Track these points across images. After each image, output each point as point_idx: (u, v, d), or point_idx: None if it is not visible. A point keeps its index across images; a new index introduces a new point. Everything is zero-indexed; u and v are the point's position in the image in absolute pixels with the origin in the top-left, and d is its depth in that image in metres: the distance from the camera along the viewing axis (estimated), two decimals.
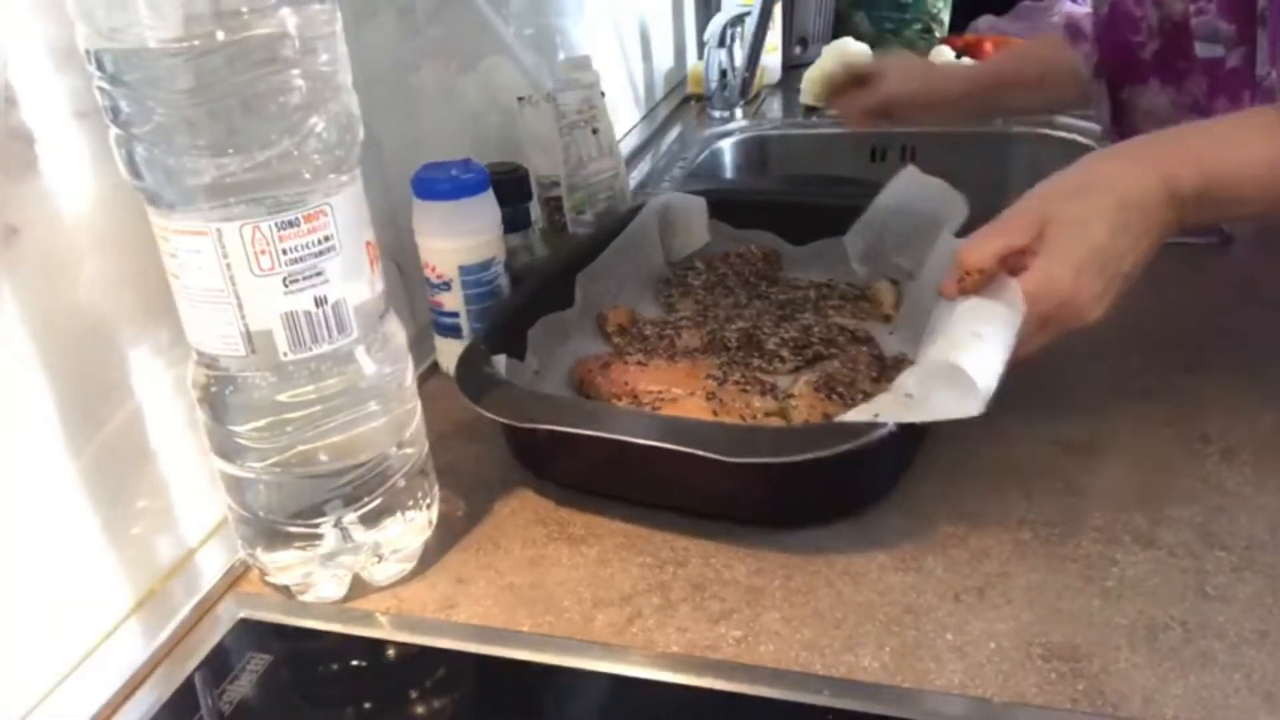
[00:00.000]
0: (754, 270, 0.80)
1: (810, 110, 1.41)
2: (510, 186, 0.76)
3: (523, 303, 0.68)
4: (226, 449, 0.48)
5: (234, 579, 0.54)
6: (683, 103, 1.49)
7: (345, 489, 0.49)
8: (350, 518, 0.50)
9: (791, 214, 0.83)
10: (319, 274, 0.45)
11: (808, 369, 0.64)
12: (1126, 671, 0.43)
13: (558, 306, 0.70)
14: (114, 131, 0.42)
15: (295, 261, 0.44)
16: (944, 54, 1.39)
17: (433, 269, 0.70)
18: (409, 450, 0.52)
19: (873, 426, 0.49)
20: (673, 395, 0.61)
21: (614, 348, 0.70)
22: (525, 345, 0.65)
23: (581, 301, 0.72)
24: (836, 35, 1.49)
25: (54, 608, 0.46)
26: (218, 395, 0.47)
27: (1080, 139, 1.15)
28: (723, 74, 1.37)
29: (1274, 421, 0.59)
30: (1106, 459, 0.57)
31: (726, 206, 0.84)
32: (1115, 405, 0.62)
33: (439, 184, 0.68)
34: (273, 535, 0.50)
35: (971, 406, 0.48)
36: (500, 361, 0.60)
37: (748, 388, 0.61)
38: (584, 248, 0.76)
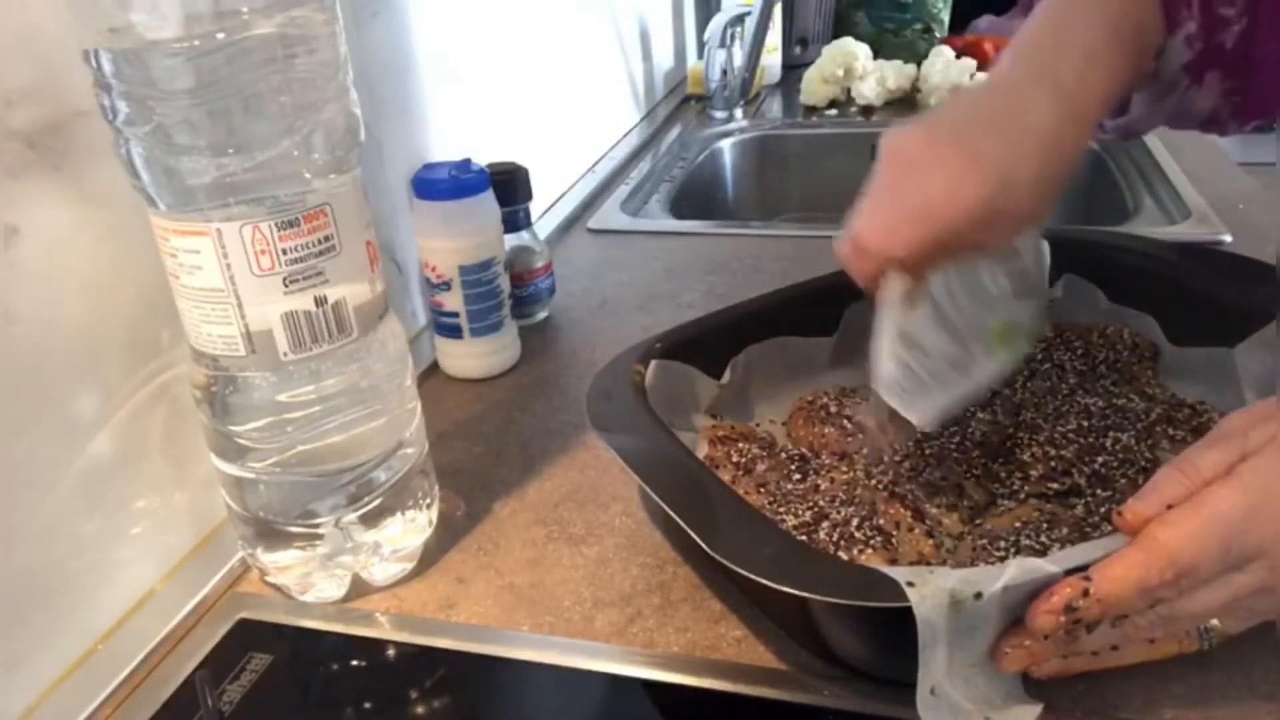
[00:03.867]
0: (1111, 361, 0.63)
1: (810, 110, 1.42)
2: (510, 186, 0.76)
3: (741, 317, 0.63)
4: (226, 449, 0.48)
5: (234, 579, 0.54)
6: (683, 103, 1.49)
7: (345, 489, 0.49)
8: (350, 518, 0.50)
9: (1182, 299, 0.62)
10: (319, 274, 0.45)
11: (1044, 502, 0.52)
12: (1126, 671, 0.43)
13: (806, 329, 0.64)
14: (113, 131, 0.42)
15: (295, 261, 0.44)
16: (944, 54, 1.39)
17: (433, 269, 0.70)
18: (409, 450, 0.52)
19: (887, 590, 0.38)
20: (848, 475, 0.54)
21: (869, 390, 0.62)
22: (730, 355, 0.61)
23: (844, 332, 0.64)
24: (836, 35, 1.50)
25: (54, 607, 0.46)
26: (218, 395, 0.47)
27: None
28: (723, 74, 1.37)
29: None
30: None
31: (1104, 266, 0.66)
32: None
33: (439, 184, 0.68)
34: (273, 535, 0.50)
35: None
36: (671, 366, 0.57)
37: (938, 493, 0.51)
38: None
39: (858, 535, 0.49)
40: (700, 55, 1.43)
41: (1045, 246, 0.66)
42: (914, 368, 0.49)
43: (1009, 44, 0.48)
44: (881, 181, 0.47)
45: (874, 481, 0.53)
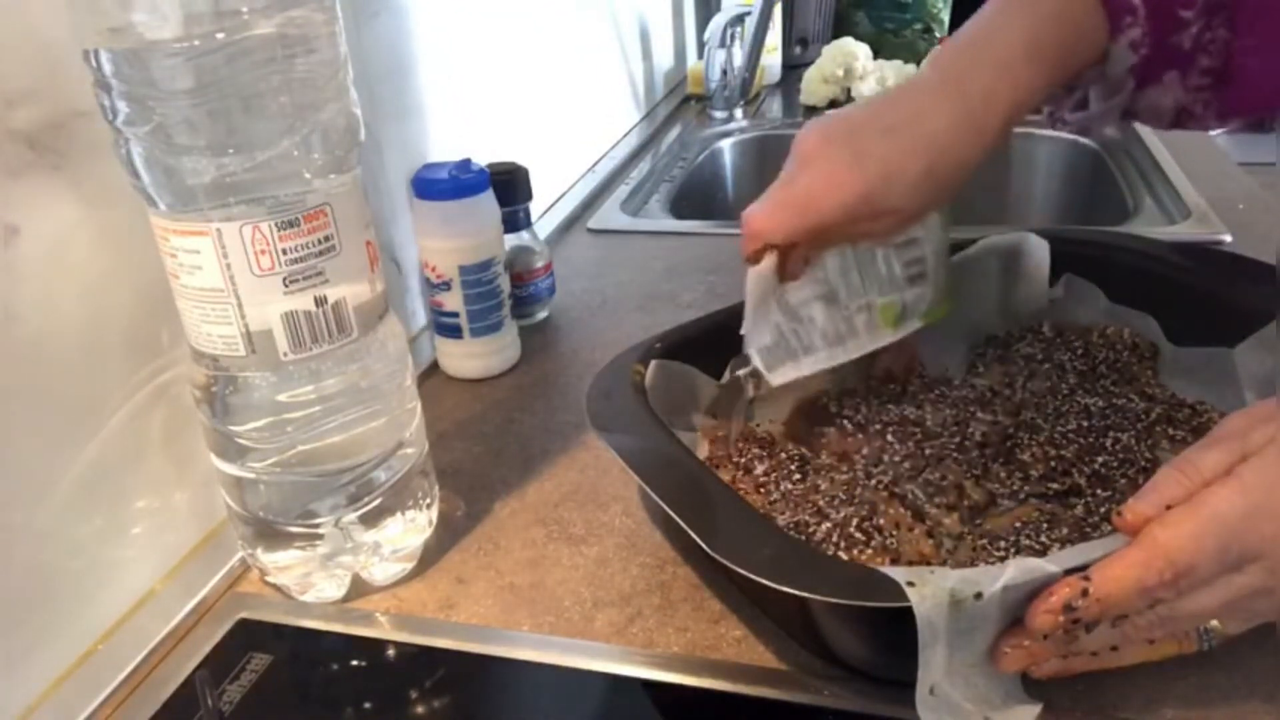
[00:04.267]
0: (1111, 360, 0.62)
1: (810, 110, 1.42)
2: (510, 186, 0.76)
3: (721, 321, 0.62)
4: (226, 449, 0.48)
5: (234, 579, 0.54)
6: (683, 103, 1.49)
7: (345, 489, 0.49)
8: (350, 518, 0.50)
9: (1182, 299, 0.62)
10: (319, 274, 0.45)
11: (1044, 502, 0.51)
12: (1126, 671, 0.43)
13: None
14: (113, 131, 0.42)
15: (295, 261, 0.44)
16: None
17: (433, 269, 0.70)
18: (409, 450, 0.52)
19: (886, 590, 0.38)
20: (848, 475, 0.54)
21: (869, 390, 0.62)
22: (730, 355, 0.59)
23: None
24: (836, 35, 1.50)
25: (54, 607, 0.46)
26: (218, 395, 0.47)
27: (1082, 139, 1.15)
28: (723, 74, 1.37)
29: None
30: None
31: (1104, 266, 0.66)
32: None
33: (439, 184, 0.68)
34: (273, 535, 0.50)
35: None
36: (671, 366, 0.57)
37: (931, 496, 0.51)
38: None
39: (858, 535, 0.49)
40: (700, 55, 1.43)
41: (1045, 249, 0.67)
42: (791, 338, 0.55)
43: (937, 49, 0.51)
44: (782, 172, 0.51)
45: (874, 481, 0.53)
